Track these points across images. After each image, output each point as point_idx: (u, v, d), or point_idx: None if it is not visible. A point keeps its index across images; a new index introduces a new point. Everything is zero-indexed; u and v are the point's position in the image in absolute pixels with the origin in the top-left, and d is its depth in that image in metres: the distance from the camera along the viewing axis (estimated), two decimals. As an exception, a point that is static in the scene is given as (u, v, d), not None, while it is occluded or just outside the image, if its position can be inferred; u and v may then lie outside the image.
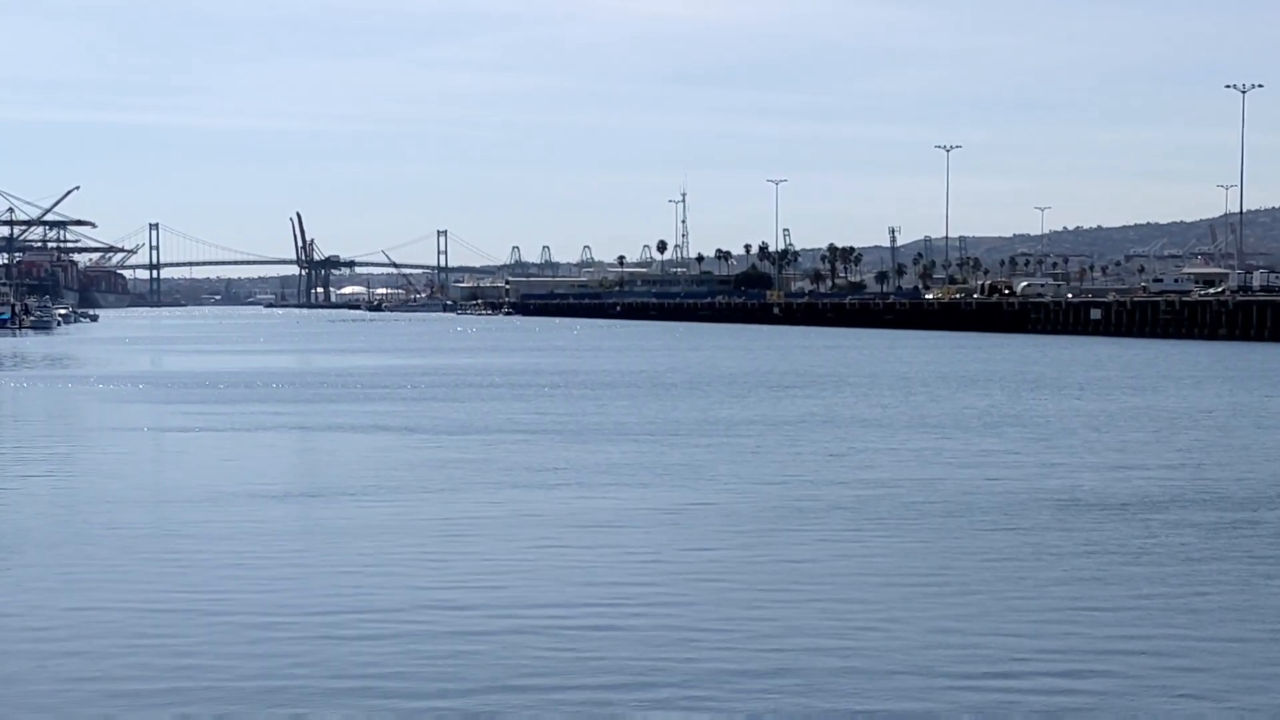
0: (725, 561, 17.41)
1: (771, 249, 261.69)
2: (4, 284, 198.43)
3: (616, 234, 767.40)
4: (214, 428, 35.50)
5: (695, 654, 13.02)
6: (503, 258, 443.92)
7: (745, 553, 17.98)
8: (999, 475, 25.47)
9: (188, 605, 14.98)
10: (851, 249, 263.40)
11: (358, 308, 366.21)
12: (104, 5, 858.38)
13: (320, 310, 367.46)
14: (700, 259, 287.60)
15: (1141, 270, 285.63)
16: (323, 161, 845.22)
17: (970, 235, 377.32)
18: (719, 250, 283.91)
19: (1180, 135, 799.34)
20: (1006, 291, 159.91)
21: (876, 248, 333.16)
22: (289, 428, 35.67)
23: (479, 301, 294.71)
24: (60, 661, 12.83)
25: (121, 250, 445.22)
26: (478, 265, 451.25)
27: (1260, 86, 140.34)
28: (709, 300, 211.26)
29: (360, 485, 24.32)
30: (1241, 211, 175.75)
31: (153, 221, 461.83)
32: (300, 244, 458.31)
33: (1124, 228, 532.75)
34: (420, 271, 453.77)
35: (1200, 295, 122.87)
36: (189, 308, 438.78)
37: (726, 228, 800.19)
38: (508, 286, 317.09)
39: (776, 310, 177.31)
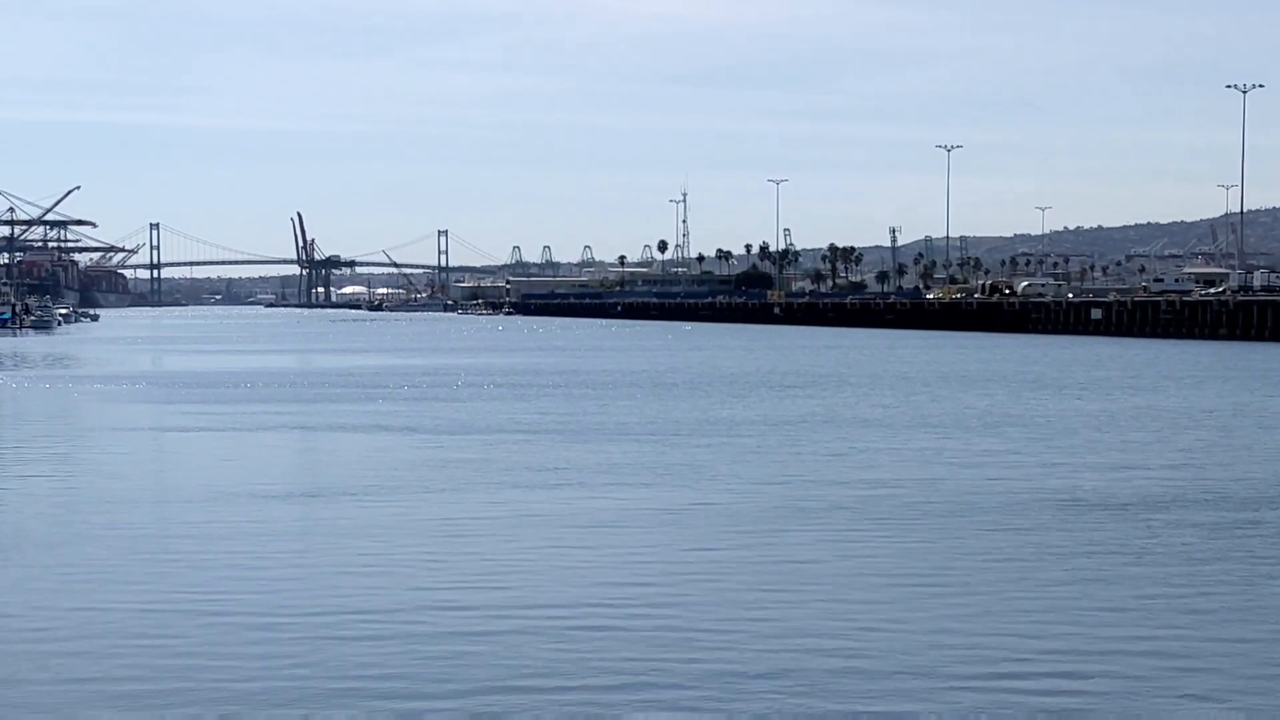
0: (726, 562, 17.39)
1: (772, 249, 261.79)
2: (4, 284, 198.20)
3: (617, 234, 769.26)
4: (214, 428, 35.49)
5: (696, 654, 13.00)
6: (503, 258, 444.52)
7: (746, 553, 17.96)
8: (1000, 475, 25.45)
9: (188, 605, 14.96)
10: (852, 249, 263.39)
11: (358, 307, 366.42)
12: (104, 5, 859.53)
13: (321, 310, 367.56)
14: (701, 259, 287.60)
15: (1142, 270, 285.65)
16: (323, 161, 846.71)
17: (971, 235, 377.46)
18: (720, 250, 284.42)
19: (1181, 135, 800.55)
20: (1007, 291, 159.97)
21: (877, 248, 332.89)
22: (289, 428, 35.66)
23: (479, 301, 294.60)
24: (60, 661, 12.81)
25: (122, 250, 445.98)
26: (478, 265, 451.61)
27: (1261, 86, 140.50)
28: (710, 300, 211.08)
29: (361, 485, 24.30)
30: (1242, 211, 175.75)
31: (153, 221, 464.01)
32: (301, 244, 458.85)
33: (1124, 228, 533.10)
34: (421, 271, 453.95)
35: (1201, 295, 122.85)
36: (190, 307, 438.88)
37: (727, 228, 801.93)
38: (508, 286, 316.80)
39: (777, 310, 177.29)
